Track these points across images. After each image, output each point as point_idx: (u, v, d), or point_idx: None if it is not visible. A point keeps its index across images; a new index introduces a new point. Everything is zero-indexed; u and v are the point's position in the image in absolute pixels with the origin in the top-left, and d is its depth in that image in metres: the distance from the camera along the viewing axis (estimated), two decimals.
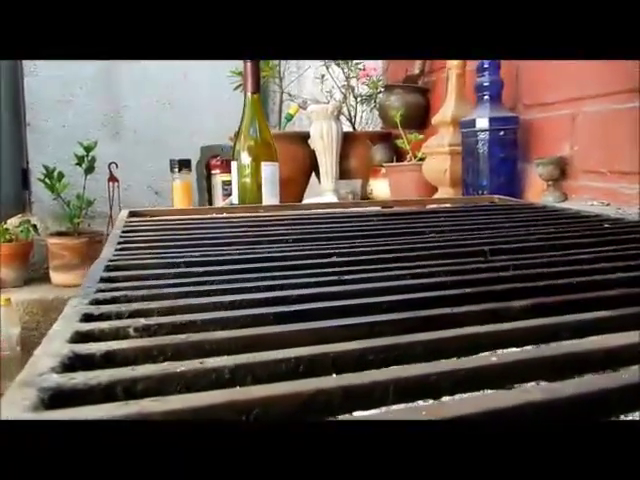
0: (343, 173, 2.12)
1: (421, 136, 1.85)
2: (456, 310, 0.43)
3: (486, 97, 1.48)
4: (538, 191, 1.48)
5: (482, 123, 1.43)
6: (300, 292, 0.50)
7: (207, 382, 0.31)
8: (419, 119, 2.13)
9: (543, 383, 0.29)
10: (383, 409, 0.28)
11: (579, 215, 1.04)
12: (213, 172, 1.97)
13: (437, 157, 1.64)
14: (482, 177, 1.46)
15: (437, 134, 1.69)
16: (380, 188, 2.01)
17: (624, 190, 1.27)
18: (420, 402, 0.28)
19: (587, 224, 0.91)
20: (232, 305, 0.47)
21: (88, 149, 2.67)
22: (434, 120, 1.70)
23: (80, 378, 0.29)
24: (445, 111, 1.64)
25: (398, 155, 2.04)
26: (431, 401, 0.29)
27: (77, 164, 2.70)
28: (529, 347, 0.37)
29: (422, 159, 1.82)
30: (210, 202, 2.01)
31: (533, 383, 0.30)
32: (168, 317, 0.43)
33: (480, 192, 1.47)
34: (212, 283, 0.55)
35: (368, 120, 2.44)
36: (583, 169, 1.38)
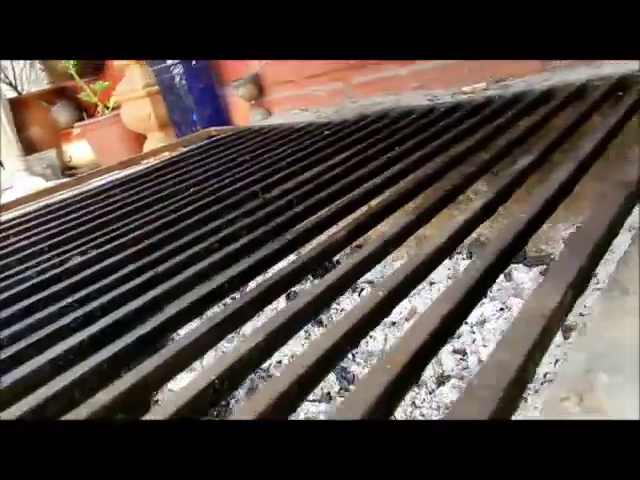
0: (28, 147, 1.83)
1: (106, 83, 1.69)
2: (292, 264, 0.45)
3: None
4: (244, 112, 1.54)
5: None
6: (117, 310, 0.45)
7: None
8: (91, 63, 1.93)
9: None
10: None
11: (297, 129, 1.13)
12: None
13: (135, 103, 1.54)
14: (190, 112, 1.44)
15: (124, 78, 1.57)
16: (80, 152, 1.82)
17: (315, 93, 1.42)
18: None
19: (311, 136, 1.00)
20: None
21: None
22: (117, 62, 1.57)
23: None
24: None
25: (86, 111, 1.85)
26: None
27: None
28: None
29: (115, 108, 1.69)
30: None
31: None
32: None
33: (193, 128, 1.46)
34: None
35: (29, 78, 2.10)
36: (277, 81, 1.48)
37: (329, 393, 0.78)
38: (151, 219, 0.67)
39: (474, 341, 0.81)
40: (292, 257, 0.50)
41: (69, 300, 0.47)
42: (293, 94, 1.46)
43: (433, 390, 0.74)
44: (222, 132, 1.36)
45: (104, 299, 0.45)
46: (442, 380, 0.75)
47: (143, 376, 0.31)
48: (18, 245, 0.72)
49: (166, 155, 1.43)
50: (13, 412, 0.30)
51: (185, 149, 1.30)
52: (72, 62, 1.68)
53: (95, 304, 0.44)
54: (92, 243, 0.63)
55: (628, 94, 0.72)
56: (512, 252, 0.37)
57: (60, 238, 0.69)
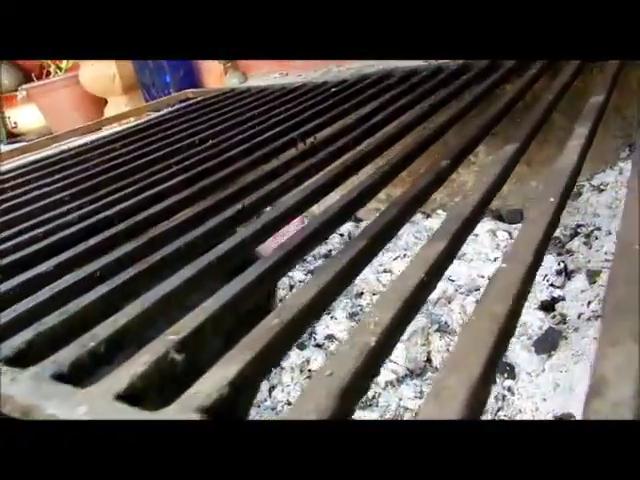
0: None
1: None
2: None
3: None
4: (217, 76, 1.47)
5: None
6: None
7: None
8: None
9: None
10: None
11: (291, 89, 1.10)
12: None
13: (97, 63, 1.43)
14: (163, 74, 1.36)
15: None
16: (27, 118, 1.67)
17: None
18: None
19: (316, 94, 0.97)
20: None
21: None
22: None
23: None
24: None
25: (32, 72, 1.69)
26: None
27: None
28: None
29: (68, 70, 1.57)
30: None
31: None
32: None
33: (166, 91, 1.38)
34: None
35: None
36: None
37: None
38: (193, 163, 0.62)
39: None
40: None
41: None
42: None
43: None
44: (201, 94, 1.29)
45: (196, 232, 0.41)
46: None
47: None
48: (30, 195, 0.64)
49: (131, 120, 1.35)
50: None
51: (164, 111, 1.22)
52: None
53: (193, 235, 0.40)
54: (133, 187, 0.58)
55: None
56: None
57: (90, 183, 0.62)
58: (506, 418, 0.62)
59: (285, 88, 1.11)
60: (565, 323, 0.71)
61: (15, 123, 1.68)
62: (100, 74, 1.44)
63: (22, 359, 0.27)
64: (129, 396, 0.22)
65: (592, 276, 0.75)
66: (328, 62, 1.32)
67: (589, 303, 0.70)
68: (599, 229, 0.88)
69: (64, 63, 1.56)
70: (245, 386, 0.22)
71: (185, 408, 0.21)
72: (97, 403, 0.22)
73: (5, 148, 1.31)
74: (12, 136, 1.70)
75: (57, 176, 0.71)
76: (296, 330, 0.26)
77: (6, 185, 0.72)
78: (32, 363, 0.26)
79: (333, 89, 0.97)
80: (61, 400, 0.23)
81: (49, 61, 1.56)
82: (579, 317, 0.70)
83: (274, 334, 0.24)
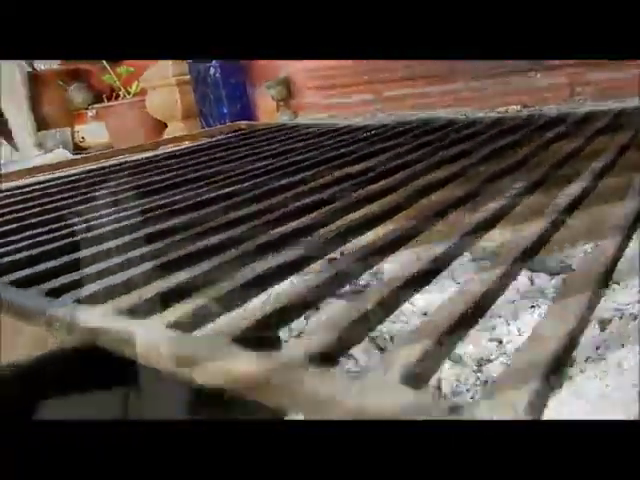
0: (40, 124, 1.81)
1: (132, 69, 1.71)
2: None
3: None
4: (270, 112, 1.59)
5: None
6: None
7: None
8: None
9: None
10: None
11: (335, 128, 1.19)
12: None
13: (162, 90, 1.57)
14: (221, 105, 1.48)
15: (155, 65, 1.60)
16: (93, 133, 1.82)
17: (344, 101, 1.49)
18: None
19: (360, 133, 1.06)
20: None
21: None
22: None
23: None
24: None
25: (103, 93, 1.85)
26: None
27: None
28: None
29: (136, 94, 1.71)
30: None
31: None
32: None
33: (222, 121, 1.49)
34: None
35: None
36: (306, 86, 1.54)
37: None
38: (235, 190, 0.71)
39: (509, 332, 0.87)
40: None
41: None
42: (321, 100, 1.52)
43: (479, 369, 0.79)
44: (253, 127, 1.40)
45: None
46: (486, 362, 0.80)
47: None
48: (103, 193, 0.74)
49: (187, 143, 1.46)
50: None
51: (220, 137, 1.33)
52: None
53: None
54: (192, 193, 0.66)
55: None
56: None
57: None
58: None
59: (331, 127, 1.20)
60: (572, 365, 0.75)
61: (83, 138, 1.82)
62: (164, 100, 1.57)
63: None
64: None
65: (603, 323, 0.78)
66: (373, 108, 1.42)
67: (597, 348, 0.74)
68: (617, 283, 0.92)
69: (133, 87, 1.71)
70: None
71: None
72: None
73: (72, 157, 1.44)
74: (78, 149, 1.85)
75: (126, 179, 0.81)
76: None
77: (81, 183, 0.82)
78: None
79: (373, 131, 1.05)
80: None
81: (119, 85, 1.71)
82: (586, 360, 0.73)
83: None
